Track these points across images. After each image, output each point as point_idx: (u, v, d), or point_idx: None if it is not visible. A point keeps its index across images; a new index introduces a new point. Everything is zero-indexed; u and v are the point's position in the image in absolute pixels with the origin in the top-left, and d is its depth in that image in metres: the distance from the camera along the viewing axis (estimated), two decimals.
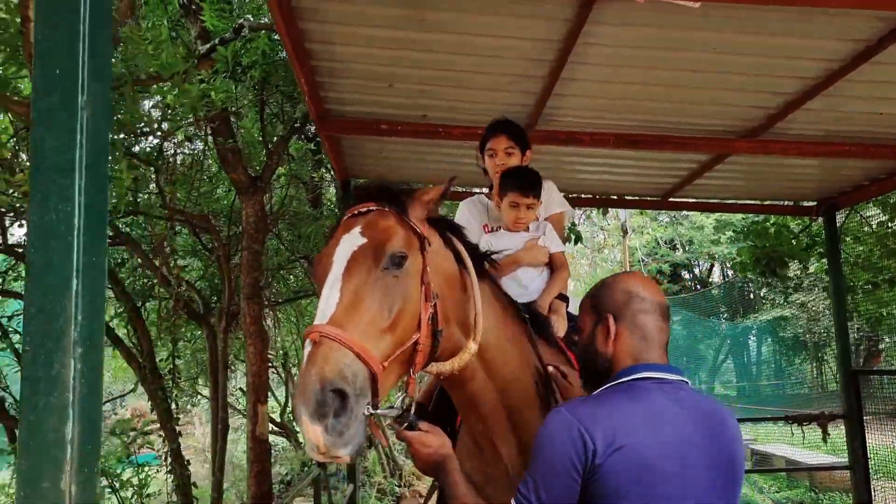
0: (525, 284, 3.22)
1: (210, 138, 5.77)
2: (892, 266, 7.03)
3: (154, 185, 5.54)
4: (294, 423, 12.55)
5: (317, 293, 1.98)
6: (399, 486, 11.55)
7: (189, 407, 9.73)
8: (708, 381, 20.38)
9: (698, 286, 24.37)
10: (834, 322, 6.66)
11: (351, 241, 1.97)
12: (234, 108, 5.47)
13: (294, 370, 13.22)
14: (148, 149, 5.54)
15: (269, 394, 11.46)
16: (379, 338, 1.85)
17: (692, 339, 20.49)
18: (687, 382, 1.82)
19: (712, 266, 25.32)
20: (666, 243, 24.88)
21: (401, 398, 1.97)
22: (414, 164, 6.40)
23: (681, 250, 24.92)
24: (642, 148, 5.09)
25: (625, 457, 1.60)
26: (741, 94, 4.41)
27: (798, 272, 18.09)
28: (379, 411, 1.81)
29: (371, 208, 2.08)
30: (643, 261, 24.31)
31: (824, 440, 6.53)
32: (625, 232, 19.49)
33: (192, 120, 4.67)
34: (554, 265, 3.32)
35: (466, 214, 3.64)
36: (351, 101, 4.87)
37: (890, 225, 6.99)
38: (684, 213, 24.13)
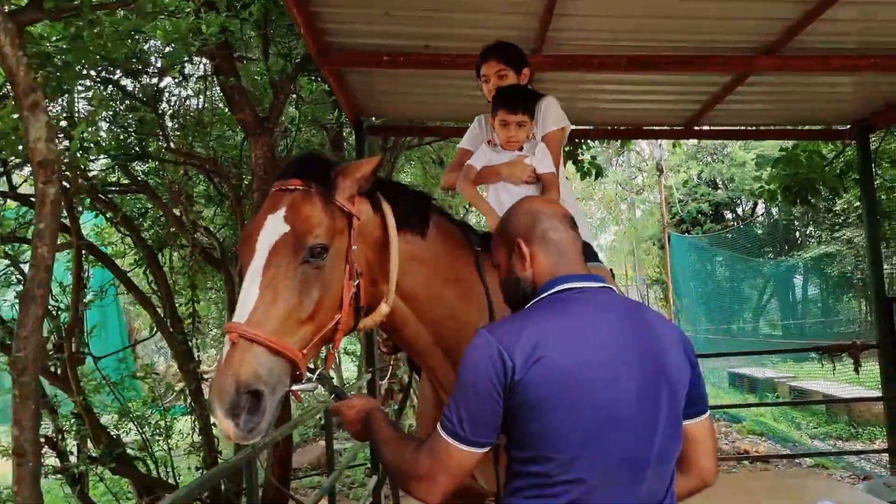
0: (502, 202, 3.13)
1: (214, 78, 5.68)
2: None
3: (159, 128, 5.48)
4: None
5: (240, 278, 2.02)
6: None
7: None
8: (753, 320, 20.02)
9: (741, 226, 23.77)
10: (867, 249, 6.40)
11: (274, 226, 1.99)
12: (235, 45, 5.37)
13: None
14: (149, 89, 5.46)
15: None
16: (298, 329, 1.93)
17: (735, 279, 20.08)
18: (612, 290, 1.79)
19: (756, 204, 24.64)
20: (707, 183, 24.23)
21: (318, 372, 2.02)
22: (426, 100, 6.27)
23: (722, 189, 24.28)
24: (656, 70, 4.87)
25: (545, 368, 1.57)
26: (756, 3, 4.15)
27: (846, 206, 17.51)
28: (295, 387, 1.95)
29: (298, 187, 2.05)
30: (682, 200, 23.77)
31: (856, 371, 6.32)
32: (660, 171, 19.01)
33: (187, 58, 4.58)
34: (543, 185, 3.19)
35: (476, 129, 3.62)
36: (350, 33, 4.74)
37: None
38: (724, 149, 23.44)
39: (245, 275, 1.96)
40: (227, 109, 6.16)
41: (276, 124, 5.96)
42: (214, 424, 6.26)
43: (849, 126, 6.49)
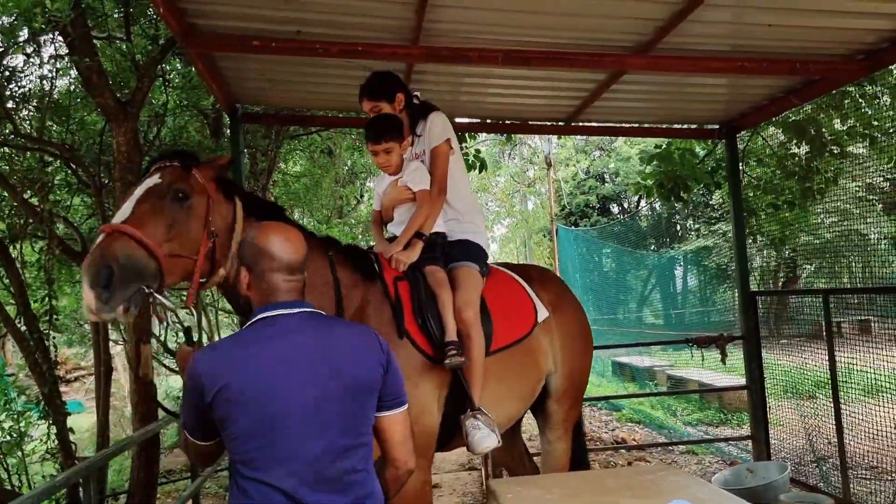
0: (401, 221, 3.61)
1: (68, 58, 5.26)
2: (793, 187, 7.05)
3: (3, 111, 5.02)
4: None
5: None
6: None
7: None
8: (637, 310, 20.77)
9: (626, 219, 24.62)
10: (734, 244, 6.66)
11: (149, 181, 2.70)
12: (92, 23, 4.98)
13: (209, 309, 12.84)
14: None
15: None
16: (162, 238, 2.58)
17: (621, 270, 20.74)
18: (315, 312, 2.16)
19: (640, 198, 25.57)
20: (594, 177, 24.95)
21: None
22: (303, 88, 6.03)
23: (609, 182, 25.06)
24: (533, 65, 4.83)
25: (226, 394, 1.95)
26: (628, 2, 4.18)
27: (722, 201, 18.40)
28: (159, 297, 2.53)
29: (168, 164, 2.77)
30: (571, 193, 24.37)
31: (723, 361, 6.60)
32: (549, 164, 19.39)
33: (30, 34, 4.19)
34: (417, 201, 3.53)
35: None
36: (217, 15, 4.46)
37: (790, 146, 6.98)
38: (611, 144, 24.18)
39: (122, 205, 2.62)
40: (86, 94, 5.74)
41: (141, 109, 5.59)
42: (71, 429, 5.88)
43: (718, 126, 6.73)
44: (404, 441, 2.22)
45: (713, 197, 17.15)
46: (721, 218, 19.98)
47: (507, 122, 6.96)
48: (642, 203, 25.48)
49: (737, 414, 9.90)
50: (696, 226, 21.90)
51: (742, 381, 6.92)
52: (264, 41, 4.62)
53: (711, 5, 4.15)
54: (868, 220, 16.47)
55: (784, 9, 4.25)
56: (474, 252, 3.63)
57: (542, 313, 3.87)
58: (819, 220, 11.80)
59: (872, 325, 8.21)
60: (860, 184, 10.75)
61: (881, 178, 14.11)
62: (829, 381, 5.73)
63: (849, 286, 14.67)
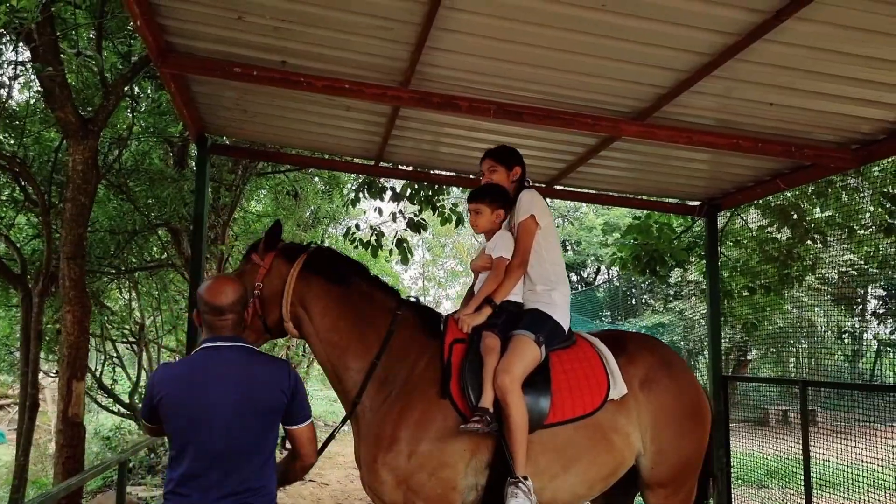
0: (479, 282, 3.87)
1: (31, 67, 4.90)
2: (770, 271, 6.95)
3: None
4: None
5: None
6: None
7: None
8: None
9: (585, 289, 24.60)
10: (708, 325, 6.48)
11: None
12: (61, 33, 4.64)
13: (152, 347, 12.22)
14: None
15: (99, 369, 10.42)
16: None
17: None
18: (247, 347, 2.84)
19: (599, 269, 25.67)
20: None
21: None
22: (276, 123, 5.76)
23: (571, 251, 25.11)
24: (526, 121, 4.64)
25: (164, 402, 2.67)
26: (632, 66, 4.03)
27: (679, 279, 18.52)
28: None
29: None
30: None
31: None
32: None
33: None
34: (493, 269, 3.73)
35: None
36: (198, 35, 4.18)
37: (769, 230, 6.91)
38: (576, 212, 24.32)
39: None
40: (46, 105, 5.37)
41: (103, 129, 5.23)
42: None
43: (700, 203, 6.62)
44: (309, 443, 2.97)
45: (672, 275, 17.23)
46: (678, 296, 20.11)
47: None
48: (601, 274, 25.56)
49: None
50: (653, 302, 21.96)
51: None
52: (246, 69, 4.35)
53: (717, 77, 4.03)
54: (817, 310, 16.73)
55: (789, 88, 4.15)
56: (539, 323, 3.60)
57: (618, 390, 3.64)
58: (765, 313, 11.83)
59: (818, 415, 8.11)
60: (816, 275, 10.81)
61: (834, 272, 14.38)
62: (802, 472, 5.51)
63: (794, 374, 14.80)
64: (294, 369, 2.94)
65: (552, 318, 3.66)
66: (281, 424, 2.87)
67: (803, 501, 5.63)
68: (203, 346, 2.78)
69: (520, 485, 3.22)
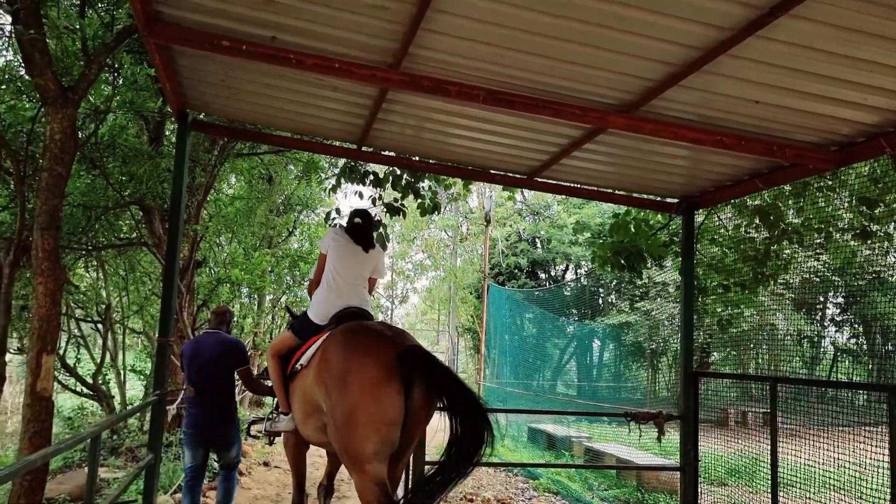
0: None
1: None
2: (744, 270, 7.06)
3: None
4: (109, 386, 11.35)
5: None
6: None
7: None
8: (552, 379, 20.70)
9: (553, 285, 24.75)
10: (681, 321, 6.56)
11: None
12: None
13: (117, 326, 12.00)
14: None
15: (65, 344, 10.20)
16: None
17: (542, 336, 20.69)
18: (222, 333, 6.01)
19: (567, 267, 25.84)
20: (527, 240, 25.10)
21: None
22: (261, 101, 5.68)
23: (541, 248, 25.24)
24: (515, 109, 4.63)
25: (186, 354, 5.89)
26: (625, 57, 4.05)
27: (646, 280, 18.73)
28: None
29: None
30: (504, 253, 24.39)
31: (659, 440, 6.43)
32: (487, 221, 19.34)
33: None
34: None
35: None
36: (187, 5, 4.09)
37: (746, 229, 7.01)
38: (548, 210, 24.42)
39: None
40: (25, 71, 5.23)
41: (83, 98, 5.12)
42: None
43: (678, 200, 6.70)
44: (247, 375, 6.01)
45: (642, 275, 17.41)
46: (644, 296, 20.35)
47: (469, 168, 6.76)
48: (569, 272, 25.73)
49: (653, 494, 9.73)
50: (619, 302, 22.19)
51: (664, 460, 6.74)
52: (235, 42, 4.27)
53: (707, 72, 4.08)
54: (779, 315, 17.05)
55: (776, 87, 4.21)
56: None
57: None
58: (739, 311, 12.05)
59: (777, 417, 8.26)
60: (780, 281, 11.03)
61: (798, 277, 14.67)
62: (767, 470, 5.60)
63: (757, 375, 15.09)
64: (243, 344, 5.74)
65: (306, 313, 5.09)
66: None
67: (767, 499, 5.73)
68: (206, 331, 6.07)
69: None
